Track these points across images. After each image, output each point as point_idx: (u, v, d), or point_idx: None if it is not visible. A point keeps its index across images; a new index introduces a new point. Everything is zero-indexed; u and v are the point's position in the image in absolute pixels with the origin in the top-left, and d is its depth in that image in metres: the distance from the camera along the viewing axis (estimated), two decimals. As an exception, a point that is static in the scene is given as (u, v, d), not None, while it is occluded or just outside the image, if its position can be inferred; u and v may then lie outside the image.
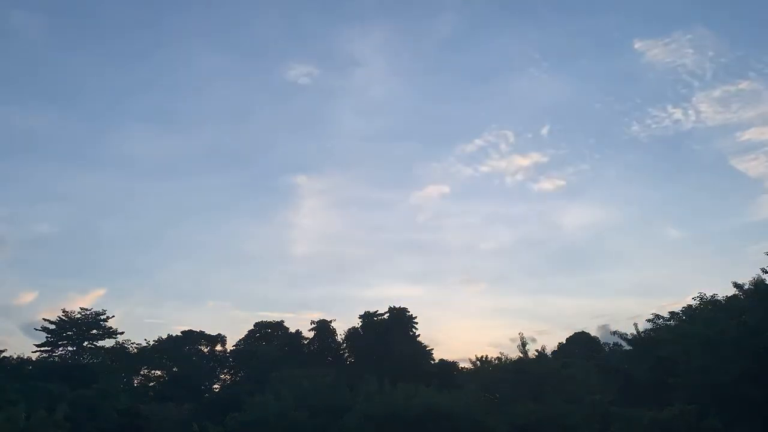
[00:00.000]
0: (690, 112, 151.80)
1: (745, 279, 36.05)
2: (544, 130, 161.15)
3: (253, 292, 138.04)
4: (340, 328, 78.30)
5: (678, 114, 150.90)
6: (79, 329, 67.05)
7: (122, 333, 69.45)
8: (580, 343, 78.06)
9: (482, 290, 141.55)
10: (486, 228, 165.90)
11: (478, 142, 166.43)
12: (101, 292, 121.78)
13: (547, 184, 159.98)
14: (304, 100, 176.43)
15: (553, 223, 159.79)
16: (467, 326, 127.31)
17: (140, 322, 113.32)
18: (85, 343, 67.47)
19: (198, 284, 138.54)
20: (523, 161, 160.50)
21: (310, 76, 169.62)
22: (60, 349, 67.20)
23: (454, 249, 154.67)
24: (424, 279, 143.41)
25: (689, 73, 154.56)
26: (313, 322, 78.48)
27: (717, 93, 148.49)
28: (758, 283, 34.67)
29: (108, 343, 69.14)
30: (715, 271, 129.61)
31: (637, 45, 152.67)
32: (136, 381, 70.52)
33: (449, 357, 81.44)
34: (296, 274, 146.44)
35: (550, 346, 77.99)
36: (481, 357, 53.67)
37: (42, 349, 66.81)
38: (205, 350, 77.28)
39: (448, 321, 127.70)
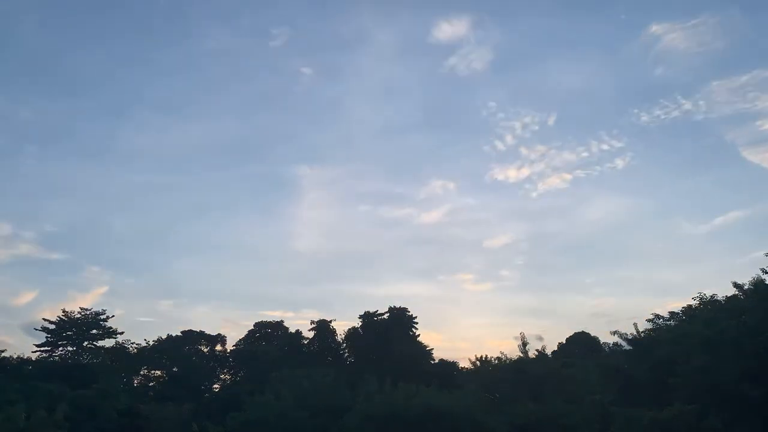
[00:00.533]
0: (701, 102, 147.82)
1: (745, 279, 36.17)
2: (551, 121, 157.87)
3: (254, 291, 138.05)
4: (341, 328, 78.62)
5: (689, 104, 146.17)
6: (79, 329, 67.07)
7: (122, 333, 69.64)
8: (580, 343, 78.29)
9: (490, 287, 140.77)
10: (494, 224, 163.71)
11: (486, 135, 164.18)
12: (101, 291, 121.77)
13: (554, 179, 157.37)
14: (309, 88, 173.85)
15: (562, 217, 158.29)
16: (475, 324, 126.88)
17: (140, 321, 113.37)
18: (85, 343, 67.48)
19: (198, 283, 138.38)
20: (530, 153, 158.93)
21: (315, 66, 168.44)
22: (60, 349, 67.22)
23: (461, 245, 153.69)
24: (431, 276, 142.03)
25: (705, 60, 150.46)
26: (313, 322, 78.62)
27: (731, 81, 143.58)
28: (758, 283, 34.68)
29: (108, 343, 69.33)
30: (729, 268, 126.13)
31: (654, 28, 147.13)
32: (136, 381, 70.57)
33: (458, 355, 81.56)
34: (299, 271, 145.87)
35: (555, 345, 78.54)
36: (481, 357, 53.85)
37: (42, 349, 66.86)
38: (205, 350, 77.30)
39: (456, 319, 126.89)
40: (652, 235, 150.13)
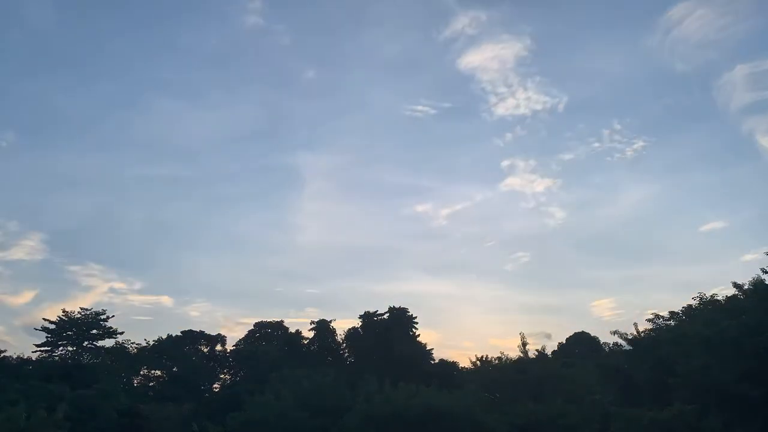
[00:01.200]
0: (718, 90, 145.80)
1: (745, 279, 36.22)
2: (561, 109, 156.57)
3: (256, 290, 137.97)
4: (341, 328, 78.67)
5: (704, 92, 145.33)
6: (79, 329, 66.92)
7: (122, 333, 69.50)
8: (580, 343, 78.37)
9: (495, 285, 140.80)
10: (500, 220, 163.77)
11: (495, 127, 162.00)
12: (101, 290, 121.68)
13: (561, 173, 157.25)
14: (316, 78, 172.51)
15: (572, 213, 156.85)
16: (480, 322, 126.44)
17: (140, 321, 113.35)
18: (85, 343, 67.35)
19: (199, 282, 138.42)
20: (539, 146, 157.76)
21: (324, 55, 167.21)
22: (60, 349, 67.02)
23: (467, 242, 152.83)
24: (437, 273, 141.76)
25: (725, 45, 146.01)
26: (312, 322, 78.65)
27: (754, 66, 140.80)
28: (758, 283, 34.73)
29: (108, 343, 69.15)
30: (743, 265, 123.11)
31: (675, 10, 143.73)
32: (136, 381, 70.49)
33: (462, 353, 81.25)
34: (302, 268, 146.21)
35: (556, 345, 78.55)
36: (482, 357, 53.89)
37: (42, 349, 66.69)
38: (205, 350, 77.30)
39: (460, 317, 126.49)
40: (665, 231, 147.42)
